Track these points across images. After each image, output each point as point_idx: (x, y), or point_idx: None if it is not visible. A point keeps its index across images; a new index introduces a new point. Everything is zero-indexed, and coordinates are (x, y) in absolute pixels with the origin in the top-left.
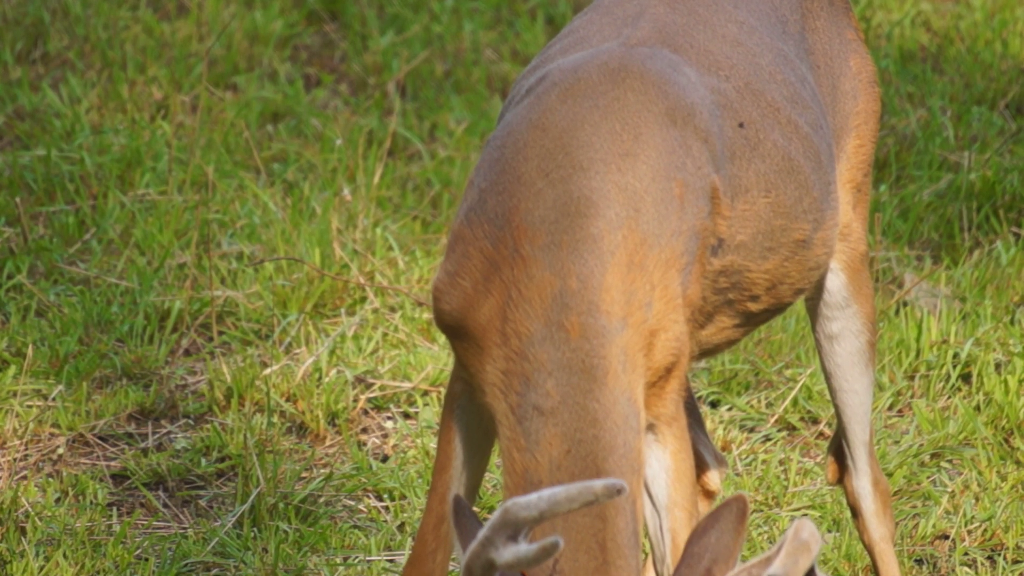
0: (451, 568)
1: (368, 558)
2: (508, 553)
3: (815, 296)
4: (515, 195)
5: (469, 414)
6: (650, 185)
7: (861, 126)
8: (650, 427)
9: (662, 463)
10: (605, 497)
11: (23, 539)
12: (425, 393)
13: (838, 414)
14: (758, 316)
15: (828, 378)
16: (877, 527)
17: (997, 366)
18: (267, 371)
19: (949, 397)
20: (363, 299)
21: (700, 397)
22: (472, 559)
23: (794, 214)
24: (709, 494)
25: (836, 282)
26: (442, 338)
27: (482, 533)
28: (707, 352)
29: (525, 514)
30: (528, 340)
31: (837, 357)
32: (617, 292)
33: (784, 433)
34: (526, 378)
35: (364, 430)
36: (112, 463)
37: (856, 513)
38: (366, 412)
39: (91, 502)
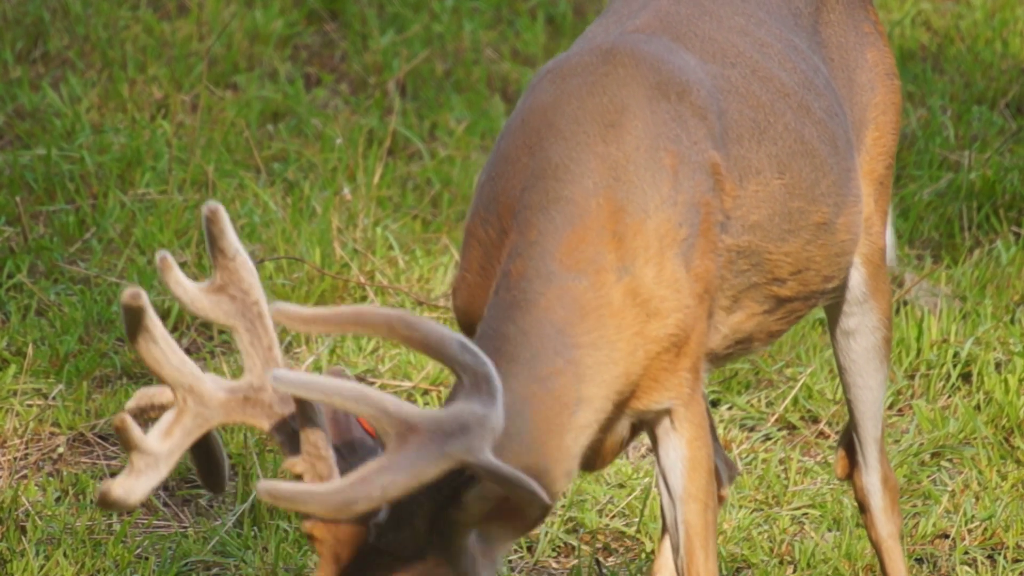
0: None
1: None
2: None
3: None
4: (503, 175)
5: None
6: (633, 155)
7: (879, 117)
8: (666, 411)
9: (679, 452)
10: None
11: (23, 538)
12: (425, 392)
13: (850, 409)
14: (790, 303)
15: (842, 373)
16: (885, 523)
17: (997, 365)
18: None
19: (949, 396)
20: (363, 298)
21: None
22: None
23: (812, 196)
24: (718, 499)
25: (856, 277)
26: None
27: None
28: (743, 341)
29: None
30: (488, 305)
31: (852, 353)
32: (578, 249)
33: (784, 432)
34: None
35: None
36: (112, 462)
37: (864, 509)
38: None
39: (91, 501)
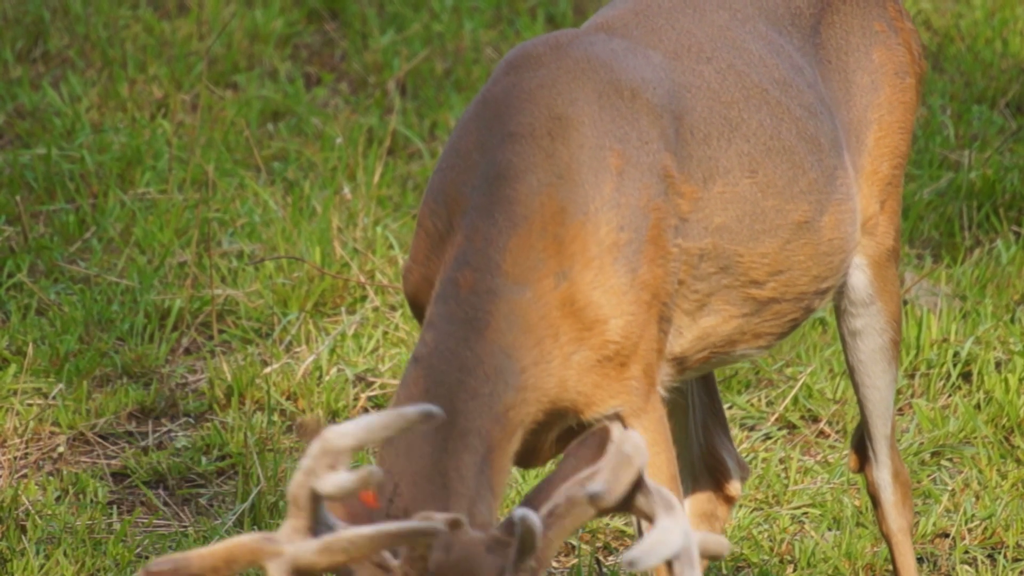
0: None
1: None
2: (329, 483)
3: (838, 290)
4: (453, 168)
5: None
6: (578, 153)
7: (884, 117)
8: (616, 417)
9: None
10: (418, 423)
11: (23, 537)
12: None
13: (860, 408)
14: (775, 305)
15: (851, 372)
16: (896, 518)
17: (997, 364)
18: (267, 369)
19: (949, 395)
20: (363, 297)
21: None
22: (296, 489)
23: (788, 195)
24: (729, 499)
25: (861, 279)
26: None
27: (303, 462)
28: (723, 345)
29: (342, 442)
30: (431, 301)
31: (860, 353)
32: (522, 256)
33: (784, 432)
34: (420, 337)
35: None
36: (112, 461)
37: (876, 503)
38: (366, 411)
39: (91, 500)
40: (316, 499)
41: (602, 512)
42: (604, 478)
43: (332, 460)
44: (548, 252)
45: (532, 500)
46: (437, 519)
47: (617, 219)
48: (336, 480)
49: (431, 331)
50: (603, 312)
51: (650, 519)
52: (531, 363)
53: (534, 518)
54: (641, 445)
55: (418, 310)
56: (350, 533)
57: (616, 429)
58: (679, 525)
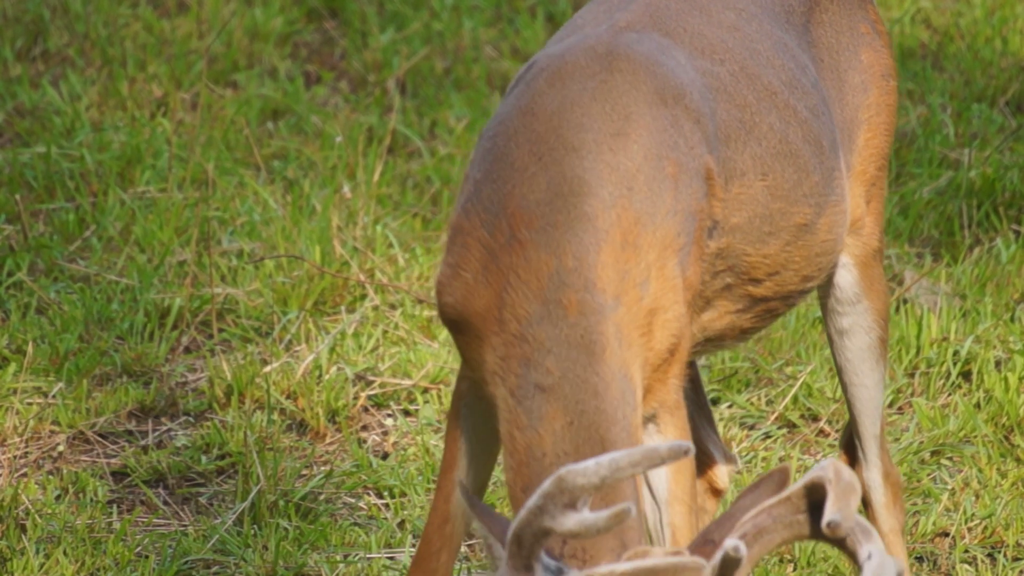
0: (456, 567)
1: (368, 555)
2: (571, 521)
3: (825, 290)
4: (509, 181)
5: (475, 413)
6: (642, 164)
7: (873, 118)
8: (651, 417)
9: None
10: (671, 458)
11: (23, 536)
12: (425, 391)
13: (849, 407)
14: (765, 303)
15: (839, 372)
16: (887, 519)
17: (997, 363)
18: (267, 368)
19: (949, 394)
20: (363, 296)
21: None
22: (523, 527)
23: (793, 197)
24: (716, 492)
25: (847, 278)
26: (442, 335)
27: (532, 501)
28: (713, 339)
29: (583, 481)
30: (527, 321)
31: (847, 352)
32: (612, 270)
33: (784, 431)
34: (526, 359)
35: (364, 427)
36: (112, 460)
37: (867, 504)
38: (366, 409)
39: (91, 499)
40: (543, 537)
41: (833, 541)
42: (837, 507)
43: (569, 499)
44: (630, 263)
45: (712, 534)
46: (699, 560)
47: (676, 226)
48: (581, 519)
49: (550, 357)
50: (669, 315)
51: (849, 550)
52: (638, 378)
53: (743, 548)
54: (849, 471)
55: (457, 319)
56: (609, 570)
57: (831, 466)
58: (885, 551)
